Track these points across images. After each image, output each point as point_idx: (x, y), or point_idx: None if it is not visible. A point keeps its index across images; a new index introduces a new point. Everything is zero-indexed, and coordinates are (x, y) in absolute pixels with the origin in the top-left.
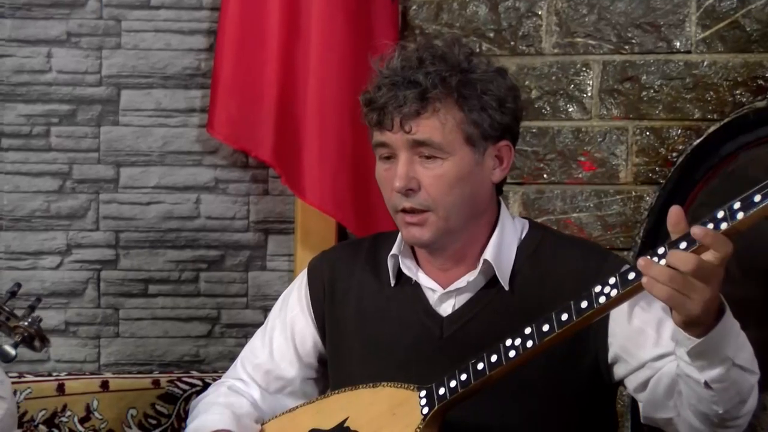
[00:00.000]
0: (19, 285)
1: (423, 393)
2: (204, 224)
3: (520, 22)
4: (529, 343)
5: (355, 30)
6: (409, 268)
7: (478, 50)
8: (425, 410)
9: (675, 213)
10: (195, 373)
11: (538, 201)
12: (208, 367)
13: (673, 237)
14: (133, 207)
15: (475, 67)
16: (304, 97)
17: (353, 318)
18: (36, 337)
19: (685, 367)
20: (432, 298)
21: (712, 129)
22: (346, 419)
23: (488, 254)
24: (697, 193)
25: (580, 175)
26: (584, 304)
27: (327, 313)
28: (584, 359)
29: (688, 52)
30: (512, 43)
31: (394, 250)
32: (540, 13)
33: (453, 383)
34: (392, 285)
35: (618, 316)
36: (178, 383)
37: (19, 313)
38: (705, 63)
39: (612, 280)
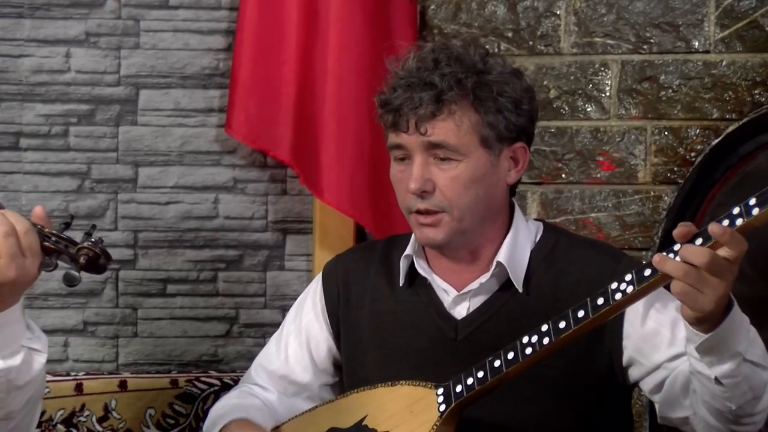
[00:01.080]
0: (72, 216)
1: (440, 391)
2: (222, 224)
3: (538, 21)
4: (546, 340)
5: (374, 30)
6: (423, 268)
7: (496, 50)
8: (442, 407)
9: (682, 228)
10: (213, 373)
11: (557, 201)
12: (226, 366)
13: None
14: (151, 207)
15: (490, 68)
16: (322, 96)
17: (368, 321)
18: (101, 256)
19: (696, 364)
20: (446, 300)
21: (730, 129)
22: (365, 417)
23: (501, 256)
24: (715, 193)
25: (599, 175)
26: (600, 301)
27: (342, 318)
28: (599, 361)
29: (707, 51)
30: (531, 42)
31: (407, 251)
32: (558, 12)
33: (470, 381)
34: (403, 286)
35: (633, 318)
36: (197, 383)
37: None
38: (724, 63)
39: (628, 277)
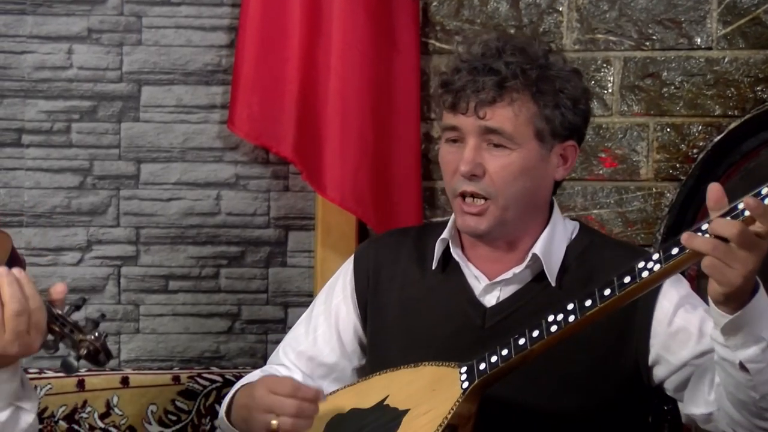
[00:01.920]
0: (84, 300)
1: (464, 369)
2: (224, 220)
3: (541, 18)
4: (571, 318)
5: (376, 27)
6: (458, 254)
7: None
8: (465, 384)
9: (716, 190)
10: (215, 369)
11: (559, 197)
12: (228, 363)
13: (714, 214)
14: (153, 203)
15: (552, 64)
16: (325, 93)
17: (396, 306)
18: (101, 352)
19: (721, 350)
20: (477, 288)
21: (733, 125)
22: (386, 397)
23: (538, 249)
24: None
25: (601, 172)
26: (627, 279)
27: (370, 302)
28: (625, 359)
29: (709, 48)
30: (534, 40)
31: (444, 235)
32: (561, 9)
33: (494, 358)
34: (435, 269)
35: (661, 318)
36: (199, 379)
37: (82, 324)
38: (726, 59)
39: (655, 256)
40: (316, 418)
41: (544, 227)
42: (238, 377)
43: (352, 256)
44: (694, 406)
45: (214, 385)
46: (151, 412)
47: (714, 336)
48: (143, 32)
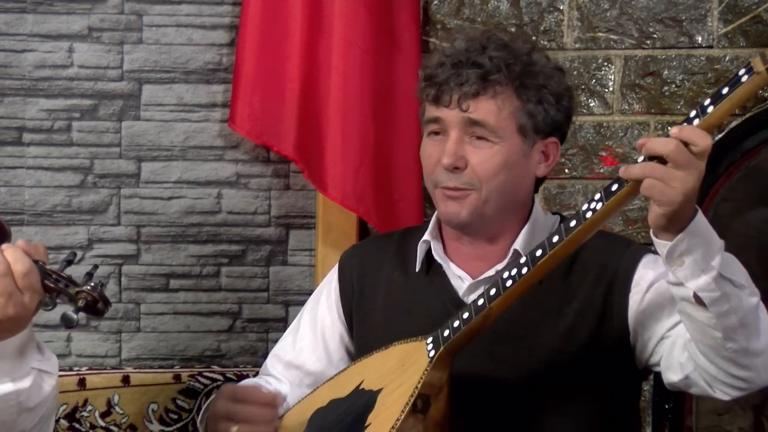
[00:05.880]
0: (74, 254)
1: (429, 339)
2: (225, 219)
3: (541, 16)
4: (524, 270)
5: (377, 25)
6: (439, 255)
7: None
8: (431, 353)
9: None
10: (216, 368)
11: (560, 196)
12: (229, 361)
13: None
14: (154, 202)
15: (536, 61)
16: (326, 92)
17: (381, 312)
18: (99, 301)
19: (675, 290)
20: (461, 287)
21: (734, 124)
22: (362, 382)
23: (518, 245)
24: (719, 188)
25: (602, 170)
26: (573, 223)
27: (355, 310)
28: (609, 344)
29: (710, 47)
30: (534, 38)
31: (426, 237)
32: (561, 8)
33: (456, 323)
34: (419, 270)
35: (636, 297)
36: (200, 378)
37: (76, 278)
38: (727, 58)
39: (597, 196)
40: (298, 417)
41: (524, 224)
42: (239, 376)
43: (337, 265)
44: (672, 372)
45: (214, 384)
46: (152, 410)
47: (668, 279)
48: (144, 31)
